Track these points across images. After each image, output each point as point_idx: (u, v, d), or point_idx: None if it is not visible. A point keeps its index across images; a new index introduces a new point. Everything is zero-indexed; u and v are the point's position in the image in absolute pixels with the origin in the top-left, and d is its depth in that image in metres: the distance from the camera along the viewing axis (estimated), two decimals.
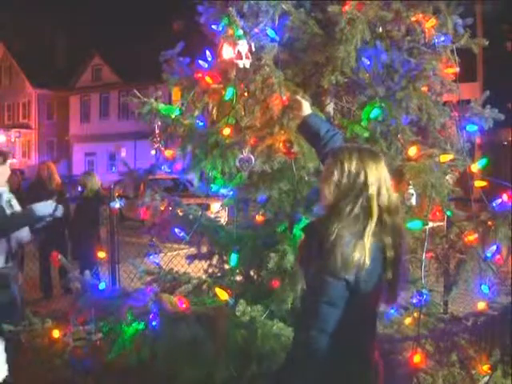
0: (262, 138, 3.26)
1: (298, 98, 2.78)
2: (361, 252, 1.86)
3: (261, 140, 3.26)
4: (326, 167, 2.04)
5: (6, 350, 3.44)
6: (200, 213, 3.79)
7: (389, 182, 1.99)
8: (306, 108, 2.68)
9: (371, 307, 2.01)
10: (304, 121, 2.62)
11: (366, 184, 1.92)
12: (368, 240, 1.88)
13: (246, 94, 3.32)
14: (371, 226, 1.89)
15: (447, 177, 3.42)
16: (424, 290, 3.12)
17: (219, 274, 3.86)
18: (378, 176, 1.95)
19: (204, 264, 4.03)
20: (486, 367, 2.88)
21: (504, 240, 3.24)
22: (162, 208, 3.75)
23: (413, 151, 3.30)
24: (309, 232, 2.05)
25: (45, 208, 3.57)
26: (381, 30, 3.49)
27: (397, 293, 2.05)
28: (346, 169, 1.94)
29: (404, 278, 2.13)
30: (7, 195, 3.70)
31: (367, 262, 1.88)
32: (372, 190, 1.92)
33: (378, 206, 1.92)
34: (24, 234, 3.73)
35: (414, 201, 3.16)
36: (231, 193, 3.63)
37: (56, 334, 3.53)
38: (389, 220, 1.94)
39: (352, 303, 1.88)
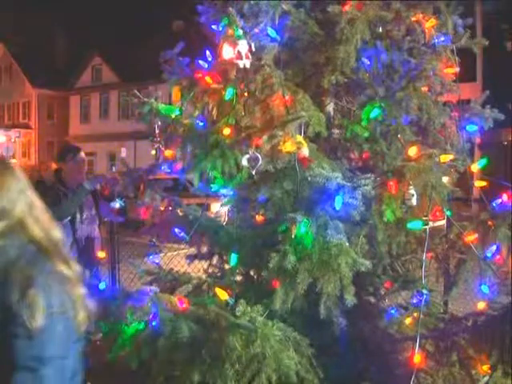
0: (265, 138, 3.26)
1: None
2: None
3: (264, 140, 3.26)
4: None
5: None
6: (200, 213, 3.78)
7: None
8: None
9: None
10: None
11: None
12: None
13: (246, 94, 3.32)
14: None
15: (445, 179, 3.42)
16: (424, 290, 3.11)
17: (219, 274, 3.86)
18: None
19: (204, 264, 4.03)
20: (485, 367, 2.88)
21: (504, 240, 3.24)
22: (162, 208, 3.75)
23: (413, 151, 3.30)
24: None
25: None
26: (381, 30, 3.49)
27: None
28: None
29: None
30: None
31: None
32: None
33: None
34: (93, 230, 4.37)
35: (414, 201, 3.16)
36: (231, 193, 3.63)
37: None
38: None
39: None
